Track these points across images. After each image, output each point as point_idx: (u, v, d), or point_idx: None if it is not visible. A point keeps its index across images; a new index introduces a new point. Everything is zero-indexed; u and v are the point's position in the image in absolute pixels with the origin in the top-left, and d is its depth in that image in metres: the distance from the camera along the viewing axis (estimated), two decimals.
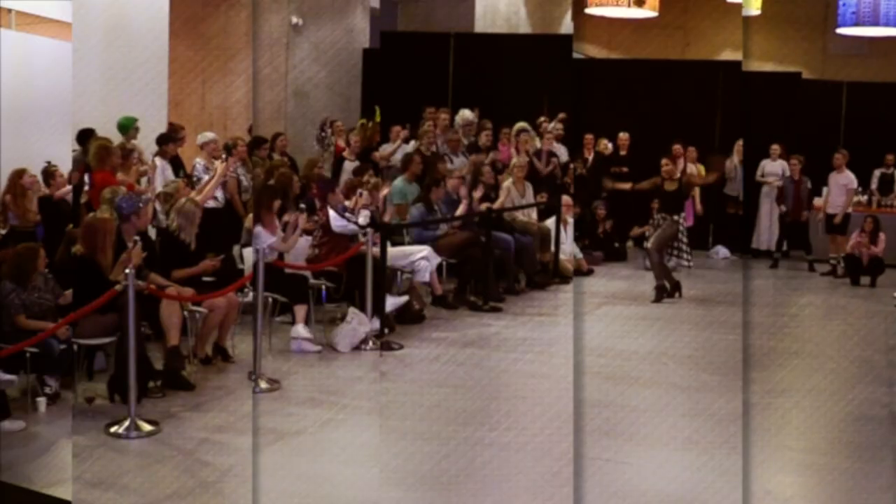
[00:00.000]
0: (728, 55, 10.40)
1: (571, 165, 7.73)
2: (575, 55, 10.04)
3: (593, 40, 11.15)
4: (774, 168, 8.37)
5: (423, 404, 3.91)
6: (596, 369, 4.52)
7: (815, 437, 3.79)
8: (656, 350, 4.99)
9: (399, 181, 5.95)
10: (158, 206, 5.07)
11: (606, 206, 7.98)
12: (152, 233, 4.92)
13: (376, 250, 4.61)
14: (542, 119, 7.36)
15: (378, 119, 6.87)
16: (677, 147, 7.97)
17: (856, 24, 7.91)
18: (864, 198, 8.27)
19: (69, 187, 5.16)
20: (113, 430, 3.50)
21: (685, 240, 6.49)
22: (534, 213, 6.57)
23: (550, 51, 8.15)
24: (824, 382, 4.51)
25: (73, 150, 5.64)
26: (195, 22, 8.17)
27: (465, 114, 6.88)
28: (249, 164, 6.45)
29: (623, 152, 8.46)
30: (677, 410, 3.99)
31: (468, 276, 5.65)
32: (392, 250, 4.98)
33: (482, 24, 8.87)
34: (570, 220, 6.64)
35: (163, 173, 5.69)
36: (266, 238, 4.40)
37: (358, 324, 4.45)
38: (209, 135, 6.15)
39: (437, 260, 5.35)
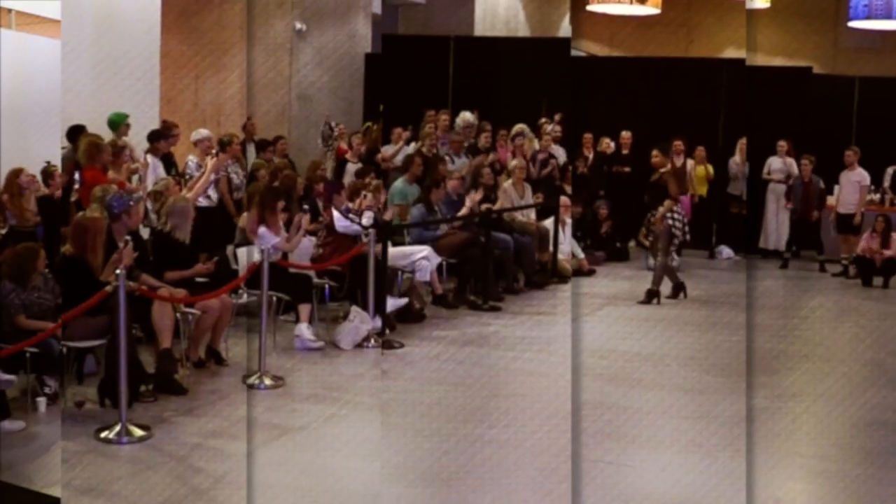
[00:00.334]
0: (732, 52, 10.43)
1: (572, 165, 7.88)
2: (576, 53, 10.27)
3: (595, 38, 11.17)
4: (781, 165, 8.37)
5: (424, 401, 4.03)
6: (598, 371, 4.60)
7: (826, 443, 3.79)
8: (659, 351, 5.04)
9: (399, 182, 6.16)
10: (149, 205, 5.08)
11: (608, 206, 8.03)
12: (144, 232, 4.92)
13: (379, 250, 4.83)
14: (544, 120, 7.59)
15: (381, 110, 7.15)
16: (678, 143, 8.00)
17: (868, 17, 7.91)
18: (877, 196, 8.23)
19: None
20: (103, 435, 3.50)
21: (680, 230, 6.37)
22: (532, 214, 6.76)
23: (549, 53, 8.48)
24: (835, 386, 4.51)
25: (63, 148, 5.65)
26: (188, 15, 8.18)
27: (466, 115, 7.08)
28: (244, 163, 6.46)
29: (625, 151, 8.47)
30: (680, 413, 4.02)
31: (468, 276, 5.85)
32: (393, 250, 5.15)
33: (482, 28, 9.24)
34: (568, 221, 6.81)
35: (154, 171, 5.70)
36: (270, 238, 4.54)
37: (360, 322, 4.62)
38: (203, 132, 6.16)
39: (437, 260, 5.52)
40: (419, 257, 5.32)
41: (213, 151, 5.52)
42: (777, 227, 8.33)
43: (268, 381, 4.10)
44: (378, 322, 4.70)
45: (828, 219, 8.00)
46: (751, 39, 10.74)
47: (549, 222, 6.66)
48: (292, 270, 4.71)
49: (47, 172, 5.19)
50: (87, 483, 3.13)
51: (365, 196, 5.25)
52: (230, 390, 4.15)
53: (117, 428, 3.49)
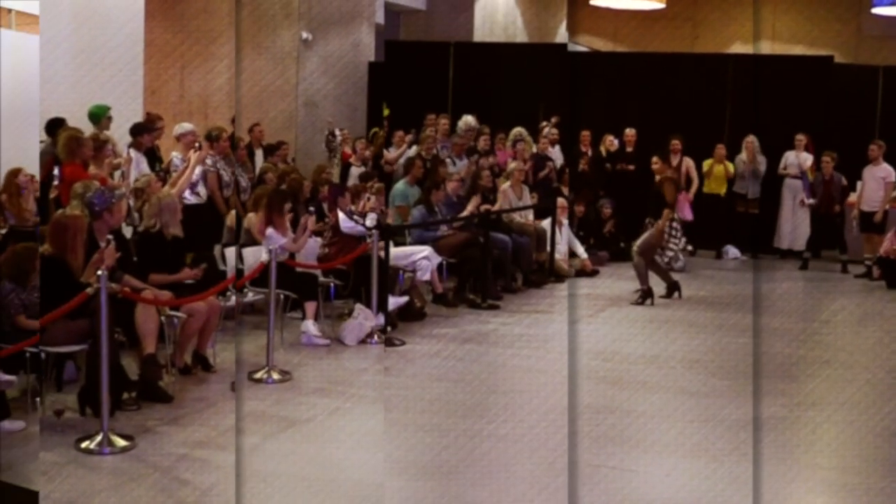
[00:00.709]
0: (738, 48, 10.47)
1: (571, 165, 8.12)
2: (579, 48, 10.73)
3: (598, 33, 11.26)
4: (799, 160, 8.36)
5: (425, 398, 4.26)
6: (601, 373, 4.70)
7: (849, 454, 3.78)
8: (663, 354, 5.13)
9: (401, 184, 6.61)
10: (131, 203, 5.09)
11: (612, 205, 8.11)
12: (127, 231, 4.93)
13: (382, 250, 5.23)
14: (544, 124, 8.06)
15: (387, 113, 7.72)
16: (675, 143, 8.04)
17: (893, 3, 7.91)
18: None
19: None
20: (84, 445, 3.50)
21: (676, 239, 6.54)
22: (530, 215, 7.17)
23: (546, 59, 9.04)
24: (858, 395, 4.51)
25: (41, 142, 5.65)
26: (173, 2, 8.20)
27: (468, 119, 7.51)
28: (232, 158, 6.46)
29: (629, 149, 8.52)
30: (685, 416, 4.08)
31: (467, 275, 6.24)
32: (394, 250, 5.57)
33: (481, 34, 9.88)
34: (565, 222, 7.20)
35: (137, 167, 5.70)
36: (278, 239, 4.88)
37: (364, 319, 5.00)
38: (186, 126, 6.17)
39: (437, 259, 5.89)
40: (420, 257, 5.68)
41: (196, 145, 5.54)
42: (794, 225, 8.33)
43: (275, 376, 4.39)
44: (381, 319, 5.06)
45: (850, 217, 8.00)
46: (766, 29, 10.76)
47: (546, 223, 7.03)
48: (299, 269, 5.06)
49: None
50: (66, 496, 3.13)
51: (369, 198, 5.70)
52: (218, 398, 4.16)
53: (99, 438, 3.49)
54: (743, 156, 8.54)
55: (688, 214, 7.70)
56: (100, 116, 5.80)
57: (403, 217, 6.25)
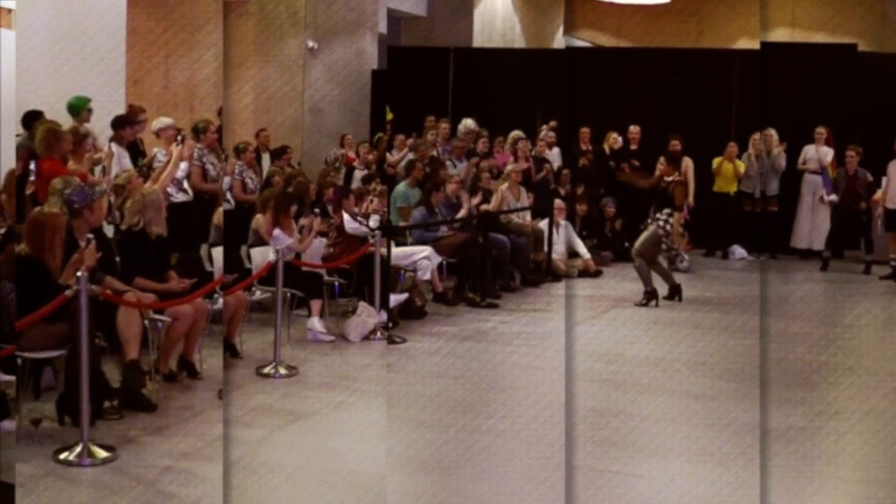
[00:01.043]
0: (745, 43, 10.47)
1: (572, 164, 8.42)
2: (582, 43, 11.09)
3: (601, 28, 11.39)
4: (819, 154, 8.35)
5: (425, 394, 4.54)
6: (605, 376, 4.83)
7: (874, 466, 3.79)
8: (668, 356, 5.25)
9: (402, 186, 7.04)
10: (113, 200, 5.09)
11: (616, 204, 8.22)
12: (108, 230, 4.93)
13: (384, 250, 5.66)
14: (543, 128, 8.53)
15: (390, 117, 8.32)
16: (675, 143, 8.10)
17: None
18: None
19: None
20: (63, 456, 3.50)
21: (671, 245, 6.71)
22: (528, 216, 7.59)
23: (544, 64, 9.63)
24: (884, 403, 4.52)
25: (17, 135, 5.64)
26: None
27: (467, 122, 8.09)
28: (220, 152, 6.47)
29: (633, 147, 8.58)
30: (691, 420, 4.16)
31: (467, 275, 6.65)
32: (396, 250, 5.98)
33: (480, 40, 10.44)
34: (563, 222, 7.56)
35: (119, 162, 5.69)
36: (284, 240, 5.27)
37: (367, 316, 5.41)
38: (165, 120, 6.16)
39: (437, 259, 6.29)
40: (420, 257, 6.08)
41: (178, 138, 5.57)
42: (813, 224, 8.32)
43: (282, 371, 4.73)
44: (384, 316, 5.46)
45: (875, 214, 7.99)
46: (784, 15, 10.76)
47: (543, 224, 7.41)
48: (305, 269, 5.45)
49: None
50: None
51: (372, 200, 6.19)
52: (204, 406, 4.18)
53: (78, 448, 3.49)
54: (751, 154, 8.54)
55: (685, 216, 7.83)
56: (79, 108, 5.78)
57: (404, 218, 6.65)
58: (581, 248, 7.66)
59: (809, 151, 8.40)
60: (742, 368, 4.94)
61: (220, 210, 5.66)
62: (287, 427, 4.01)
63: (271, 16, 8.78)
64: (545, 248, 7.31)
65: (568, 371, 4.75)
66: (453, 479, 3.47)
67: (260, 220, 5.46)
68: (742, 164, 8.52)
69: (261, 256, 5.26)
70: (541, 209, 7.55)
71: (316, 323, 5.34)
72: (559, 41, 11.26)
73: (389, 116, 8.46)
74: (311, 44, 8.75)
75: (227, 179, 5.81)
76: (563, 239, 7.55)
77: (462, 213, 6.78)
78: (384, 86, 9.12)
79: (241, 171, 6.10)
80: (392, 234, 5.94)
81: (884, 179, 7.99)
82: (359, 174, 7.57)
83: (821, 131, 8.36)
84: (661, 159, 6.77)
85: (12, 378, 3.68)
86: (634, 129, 8.59)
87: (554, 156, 8.51)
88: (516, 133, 8.09)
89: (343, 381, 4.75)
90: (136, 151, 6.07)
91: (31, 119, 5.46)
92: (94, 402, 3.65)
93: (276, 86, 8.69)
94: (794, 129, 8.49)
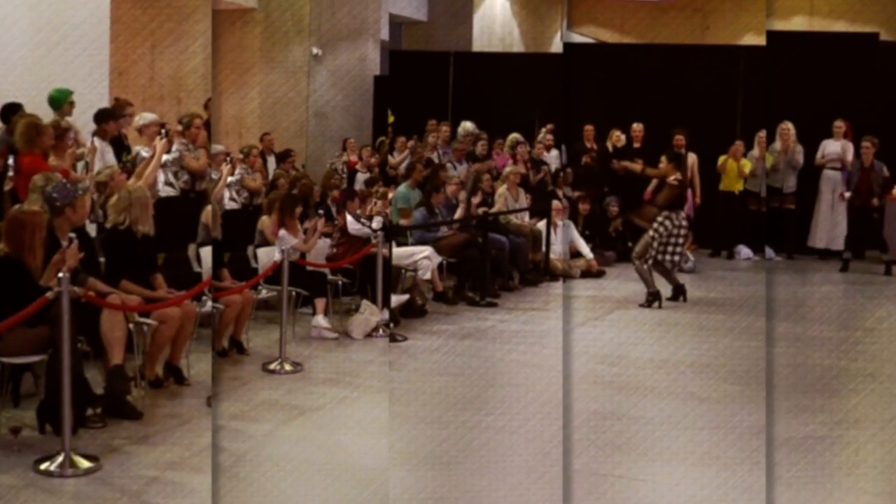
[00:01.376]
0: (750, 39, 10.56)
1: (573, 163, 8.79)
2: (585, 39, 11.54)
3: (605, 23, 11.53)
4: (838, 149, 8.33)
5: (426, 391, 4.76)
6: (608, 378, 4.95)
7: None
8: (672, 358, 5.36)
9: (403, 187, 7.44)
10: (96, 197, 5.09)
11: (619, 203, 8.32)
12: (91, 229, 4.93)
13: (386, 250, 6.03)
14: (547, 128, 9.01)
15: (391, 120, 8.96)
16: (679, 138, 8.12)
17: None
18: None
19: None
20: (43, 466, 3.50)
21: (681, 239, 6.73)
22: (526, 217, 8.00)
23: (542, 68, 10.17)
24: None
25: None
26: None
27: (467, 125, 8.55)
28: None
29: (637, 145, 8.64)
30: (695, 423, 4.23)
31: (466, 274, 7.01)
32: (397, 250, 6.27)
33: (479, 44, 11.25)
34: (560, 223, 7.89)
35: (102, 157, 5.69)
36: (290, 240, 5.64)
37: (370, 314, 5.71)
38: (148, 116, 6.18)
39: (437, 259, 6.62)
40: (421, 257, 6.41)
41: (162, 132, 5.60)
42: (832, 222, 8.31)
43: (288, 367, 4.98)
44: (386, 314, 5.79)
45: (893, 212, 8.00)
46: (803, 4, 10.78)
47: (542, 224, 7.78)
48: (309, 268, 5.77)
49: None
50: None
51: (376, 203, 6.57)
52: (192, 414, 4.18)
53: (60, 458, 3.49)
54: (755, 152, 8.56)
55: (690, 213, 7.91)
56: (61, 101, 5.78)
57: (405, 219, 6.97)
58: (584, 248, 7.95)
59: (830, 147, 8.37)
60: (747, 371, 5.03)
61: (209, 208, 5.67)
62: (292, 421, 4.22)
63: (277, 24, 9.46)
64: (543, 249, 7.64)
65: (565, 372, 4.86)
66: (453, 474, 3.63)
67: (266, 222, 5.83)
68: (747, 163, 8.55)
69: (267, 256, 5.59)
70: (539, 210, 7.92)
71: (320, 320, 5.65)
72: (557, 45, 11.88)
73: (391, 119, 8.96)
74: (315, 51, 9.50)
75: (167, 157, 5.88)
76: (561, 239, 7.87)
77: (459, 214, 7.14)
78: (386, 91, 9.84)
79: (186, 147, 6.17)
80: (393, 234, 6.25)
81: None
82: (361, 177, 8.09)
83: (839, 125, 8.33)
84: (663, 158, 6.85)
85: None
86: (638, 127, 8.72)
87: (552, 158, 8.92)
88: (514, 136, 8.53)
89: (346, 377, 5.01)
90: (120, 146, 6.06)
91: (10, 112, 5.46)
92: (76, 410, 3.65)
93: (281, 91, 9.40)
94: (809, 123, 8.49)
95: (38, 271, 3.89)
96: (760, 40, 9.53)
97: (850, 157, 8.24)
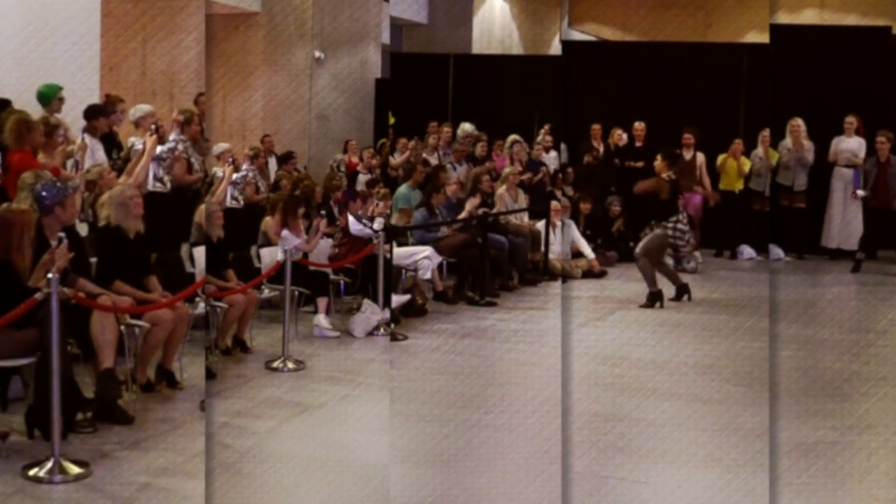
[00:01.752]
0: (753, 37, 10.58)
1: (576, 162, 8.99)
2: (587, 37, 11.71)
3: (607, 21, 11.64)
4: (850, 145, 8.32)
5: (426, 389, 4.88)
6: (610, 380, 5.01)
7: None
8: (675, 359, 5.42)
9: (403, 188, 7.68)
10: (86, 196, 5.09)
11: (621, 203, 8.36)
12: (81, 228, 4.93)
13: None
14: (545, 129, 9.24)
15: (392, 122, 9.26)
16: (688, 136, 8.13)
17: None
18: None
19: None
20: (32, 472, 3.50)
21: (685, 240, 6.82)
22: (526, 217, 8.20)
23: (541, 70, 10.44)
24: None
25: None
26: None
27: (466, 127, 8.83)
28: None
29: (639, 143, 8.67)
30: (698, 424, 4.28)
31: (466, 274, 7.20)
32: (397, 250, 6.47)
33: (479, 46, 11.45)
34: (559, 223, 8.06)
35: (92, 155, 5.69)
36: (292, 240, 5.81)
37: (371, 313, 5.89)
38: (144, 107, 6.20)
39: (438, 259, 6.81)
40: (421, 257, 6.61)
41: (153, 127, 5.62)
42: (845, 221, 8.30)
43: (290, 365, 5.13)
44: (387, 313, 5.97)
45: None
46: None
47: (541, 225, 7.97)
48: (312, 268, 5.93)
49: None
50: None
51: (377, 204, 6.77)
52: (185, 418, 4.19)
53: (49, 464, 3.49)
54: (759, 150, 8.57)
55: (696, 212, 8.00)
56: (50, 97, 5.78)
57: (406, 219, 7.19)
58: (585, 248, 8.10)
59: (842, 143, 8.35)
60: (751, 372, 5.07)
61: (202, 208, 5.69)
62: (295, 419, 4.34)
63: (280, 27, 9.78)
64: (542, 249, 7.83)
65: (565, 374, 4.92)
66: (453, 471, 3.72)
67: (269, 222, 5.99)
68: (747, 162, 8.56)
69: (270, 256, 5.77)
70: (538, 210, 8.11)
71: (322, 319, 5.82)
72: (556, 47, 12.11)
73: (392, 121, 9.24)
74: (317, 54, 9.82)
75: (160, 149, 5.96)
76: (560, 239, 8.04)
77: (465, 213, 7.31)
78: (387, 93, 10.16)
79: (185, 147, 6.36)
80: (394, 234, 6.44)
81: None
82: (362, 178, 8.32)
83: (850, 121, 8.31)
84: (659, 157, 6.91)
85: None
86: (639, 126, 8.79)
87: (551, 159, 9.13)
88: (512, 137, 8.76)
89: (348, 375, 5.16)
90: (110, 143, 6.07)
91: None
92: (66, 415, 3.65)
93: (284, 94, 9.74)
94: (818, 120, 8.50)
95: (27, 272, 3.89)
96: (763, 38, 9.55)
97: (862, 153, 8.22)
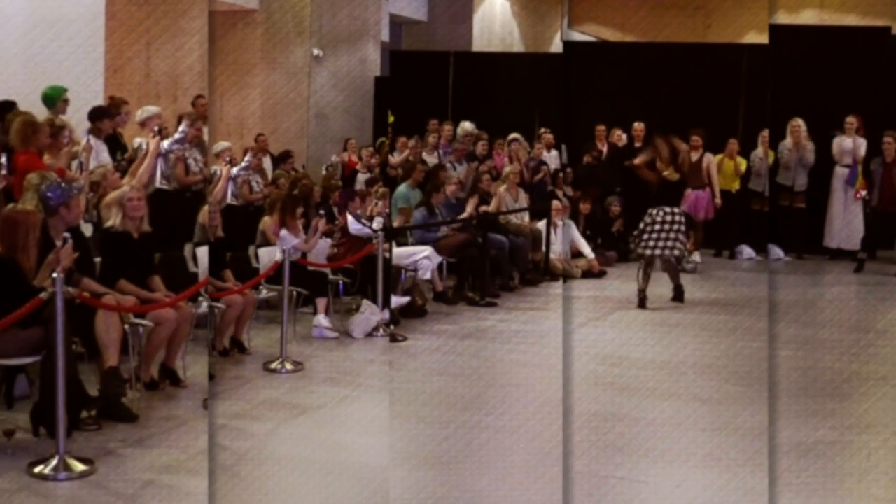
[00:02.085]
0: (752, 37, 10.60)
1: (576, 162, 8.98)
2: (586, 38, 11.77)
3: (606, 22, 11.62)
4: (850, 145, 8.32)
5: (426, 391, 4.84)
6: (609, 379, 5.01)
7: None
8: (674, 359, 5.42)
9: (403, 187, 7.62)
10: (90, 197, 5.12)
11: (620, 203, 8.32)
12: (86, 229, 4.96)
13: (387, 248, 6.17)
14: (544, 130, 9.27)
15: (391, 120, 9.22)
16: (695, 138, 8.15)
17: None
18: None
19: None
20: (38, 470, 3.52)
21: (673, 234, 6.74)
22: (526, 217, 8.16)
23: (541, 68, 10.48)
24: None
25: None
26: None
27: (466, 125, 8.76)
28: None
29: (638, 144, 8.68)
30: (697, 424, 4.28)
31: (466, 274, 7.17)
32: (397, 250, 6.42)
33: (479, 44, 11.53)
34: (560, 223, 8.03)
35: (97, 156, 5.72)
36: (291, 240, 5.75)
37: (370, 314, 5.84)
38: (151, 109, 6.23)
39: (437, 259, 6.77)
40: (421, 257, 6.57)
41: (155, 128, 5.65)
42: (846, 221, 8.29)
43: (289, 366, 5.08)
44: (386, 314, 5.92)
45: None
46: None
47: (541, 224, 7.93)
48: (310, 268, 5.87)
49: None
50: None
51: (376, 203, 6.67)
52: (189, 416, 4.21)
53: (54, 462, 3.51)
54: (759, 151, 8.56)
55: (705, 213, 7.91)
56: (55, 99, 5.81)
57: (405, 219, 7.14)
58: (585, 248, 8.12)
59: (844, 143, 8.34)
60: (750, 372, 5.08)
61: (206, 208, 5.71)
62: (293, 420, 4.30)
63: (278, 25, 9.60)
64: (542, 249, 7.79)
65: (566, 374, 4.91)
66: (453, 473, 3.68)
67: (267, 222, 5.92)
68: (744, 162, 8.57)
69: (268, 256, 5.69)
70: (539, 210, 8.05)
71: (321, 320, 5.76)
72: (557, 45, 12.06)
73: (391, 119, 9.17)
74: (316, 52, 9.62)
75: (166, 144, 6.01)
76: (562, 239, 8.01)
77: (466, 213, 7.24)
78: (387, 91, 10.08)
79: (184, 148, 6.35)
80: (393, 234, 6.39)
81: None
82: (361, 177, 8.24)
83: (851, 121, 8.30)
84: (643, 153, 6.92)
85: None
86: (639, 126, 8.80)
87: (552, 158, 9.11)
88: (512, 135, 8.70)
89: (347, 377, 5.10)
90: (115, 144, 6.10)
91: (4, 110, 5.50)
92: (70, 412, 3.66)
93: (282, 92, 9.56)
94: (817, 120, 8.49)
95: (32, 271, 3.91)
96: (762, 38, 9.56)
97: (862, 153, 8.21)
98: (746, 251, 8.69)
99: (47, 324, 3.65)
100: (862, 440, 4.13)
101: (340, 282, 6.17)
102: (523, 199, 8.17)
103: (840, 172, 8.38)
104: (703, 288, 7.27)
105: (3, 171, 4.85)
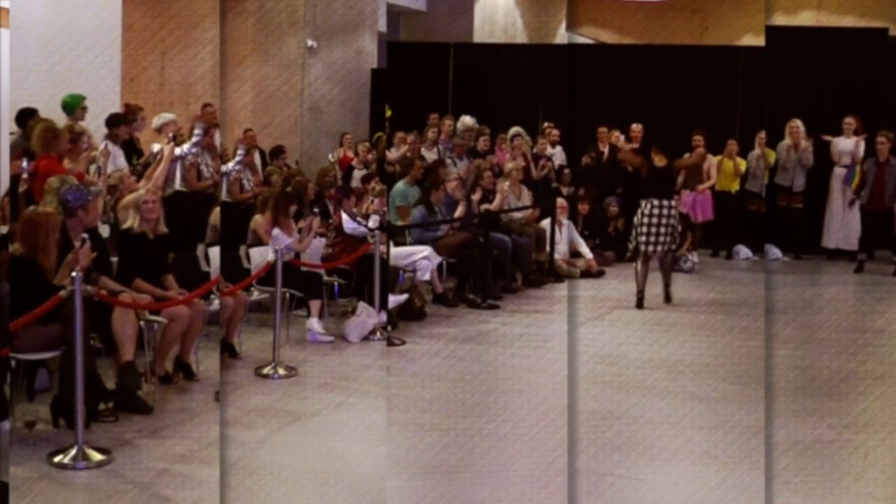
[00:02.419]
0: (749, 40, 10.55)
1: (574, 163, 8.72)
2: (584, 40, 11.39)
3: (604, 24, 11.54)
4: (849, 146, 8.30)
5: (425, 397, 4.64)
6: (607, 378, 4.94)
7: None
8: (672, 358, 5.34)
9: (401, 184, 7.19)
10: (107, 200, 5.24)
11: (619, 203, 8.32)
12: (103, 230, 5.07)
13: (384, 250, 5.85)
14: (547, 125, 8.88)
15: (389, 115, 8.69)
16: (697, 139, 8.14)
17: None
18: None
19: None
20: (57, 459, 3.59)
21: (664, 229, 6.67)
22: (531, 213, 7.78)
23: (545, 59, 10.00)
24: None
25: (11, 133, 5.80)
26: None
27: (466, 120, 8.28)
28: (216, 151, 6.62)
29: (636, 145, 8.68)
30: (695, 422, 4.24)
31: (467, 275, 6.80)
32: (394, 250, 6.12)
33: (480, 35, 10.87)
34: (565, 222, 7.76)
35: (114, 161, 5.84)
36: (284, 239, 5.41)
37: (367, 317, 5.57)
38: (167, 116, 6.32)
39: (437, 259, 6.42)
40: (420, 257, 6.22)
41: (170, 135, 5.73)
42: (844, 221, 8.26)
43: (282, 371, 4.85)
44: (384, 317, 5.64)
45: None
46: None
47: (546, 223, 7.59)
48: (304, 269, 5.60)
49: None
50: None
51: (372, 201, 6.40)
52: (201, 408, 4.27)
53: (73, 451, 3.58)
54: (756, 152, 8.56)
55: (710, 212, 7.90)
56: (74, 106, 5.92)
57: (403, 217, 6.75)
58: (584, 248, 7.86)
59: (841, 144, 8.32)
60: (747, 370, 5.03)
61: (217, 210, 5.81)
62: (286, 428, 4.13)
63: (270, 14, 9.01)
64: (547, 248, 7.46)
65: (571, 373, 4.82)
66: (454, 483, 3.55)
67: (259, 220, 5.58)
68: (742, 162, 8.57)
69: (260, 256, 5.39)
70: (543, 208, 7.71)
71: (315, 323, 5.49)
72: (562, 36, 11.52)
73: (388, 114, 8.73)
74: (310, 42, 9.04)
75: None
76: (566, 239, 7.73)
77: (459, 212, 6.88)
78: (384, 84, 9.51)
79: (196, 154, 6.18)
80: (391, 233, 6.08)
81: None
82: (358, 174, 7.78)
83: (849, 122, 8.25)
84: (654, 147, 6.74)
85: None
86: (637, 128, 8.71)
87: (556, 154, 8.70)
88: (514, 129, 8.29)
89: (342, 382, 4.89)
90: (131, 149, 6.21)
91: (26, 117, 5.62)
92: (88, 405, 3.74)
93: (275, 85, 8.97)
94: (815, 121, 8.48)
95: (52, 271, 4.00)
96: (759, 41, 9.53)
97: (860, 153, 8.19)
98: (743, 251, 8.65)
99: (66, 320, 3.72)
100: (859, 439, 4.09)
101: (335, 283, 5.86)
102: (526, 197, 7.82)
103: (839, 173, 8.34)
104: (700, 288, 7.21)
105: (25, 175, 4.97)
